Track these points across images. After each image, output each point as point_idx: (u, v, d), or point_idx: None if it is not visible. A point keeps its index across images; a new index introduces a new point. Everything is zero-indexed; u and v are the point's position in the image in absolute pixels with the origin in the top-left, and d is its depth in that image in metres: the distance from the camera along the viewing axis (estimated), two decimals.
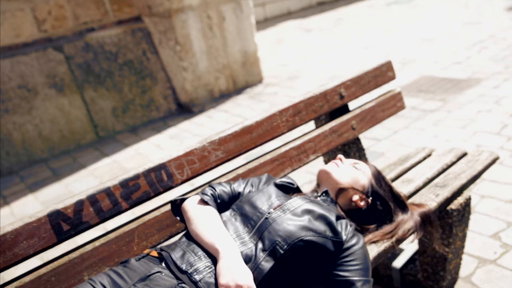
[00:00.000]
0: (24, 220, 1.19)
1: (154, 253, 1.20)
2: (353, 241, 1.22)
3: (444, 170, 1.82)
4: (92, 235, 1.73)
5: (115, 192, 1.33)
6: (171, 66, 4.89)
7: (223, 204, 1.32)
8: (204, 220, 1.21)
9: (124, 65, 4.76)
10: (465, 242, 1.85)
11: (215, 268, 1.10)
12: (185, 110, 4.96)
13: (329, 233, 1.19)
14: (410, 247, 2.03)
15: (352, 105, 2.10)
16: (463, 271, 2.00)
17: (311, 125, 2.77)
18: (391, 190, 1.45)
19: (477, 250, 2.12)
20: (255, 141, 1.64)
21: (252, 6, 7.02)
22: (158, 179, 1.40)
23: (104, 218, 1.31)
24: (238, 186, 1.37)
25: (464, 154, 1.94)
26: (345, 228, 1.23)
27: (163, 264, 1.15)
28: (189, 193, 1.50)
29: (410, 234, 1.43)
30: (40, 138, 4.24)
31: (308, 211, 1.22)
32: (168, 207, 1.42)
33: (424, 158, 1.98)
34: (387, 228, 1.40)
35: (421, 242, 1.80)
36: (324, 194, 1.40)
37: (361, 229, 1.39)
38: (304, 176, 3.01)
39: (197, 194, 1.33)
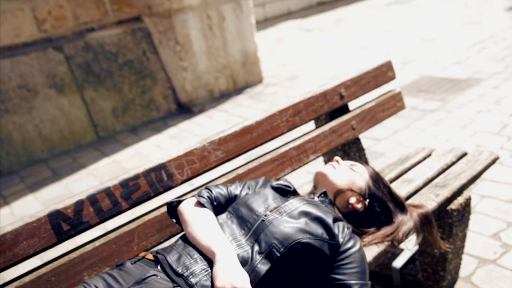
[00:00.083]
0: (24, 220, 1.19)
1: (150, 256, 1.19)
2: (350, 244, 1.21)
3: (444, 170, 1.82)
4: (92, 235, 1.73)
5: (115, 192, 1.33)
6: (171, 66, 4.89)
7: (219, 206, 1.31)
8: (201, 222, 1.20)
9: (124, 65, 4.76)
10: (465, 242, 1.85)
11: (211, 271, 1.09)
12: (185, 110, 4.96)
13: (325, 235, 1.18)
14: (410, 247, 2.03)
15: (352, 105, 2.10)
16: (463, 271, 2.00)
17: (311, 125, 2.77)
18: (389, 191, 1.44)
19: (477, 250, 2.12)
20: (255, 141, 1.64)
21: (252, 6, 7.02)
22: (158, 179, 1.40)
23: (104, 218, 1.31)
24: (235, 189, 1.36)
25: (464, 154, 1.94)
26: (342, 231, 1.22)
27: (159, 267, 1.14)
28: (189, 193, 1.50)
29: (410, 235, 1.43)
30: (40, 138, 4.24)
31: (305, 213, 1.21)
32: None
33: (424, 158, 1.98)
34: (387, 229, 1.39)
35: (421, 242, 1.80)
36: (322, 195, 1.39)
37: (359, 232, 1.38)
38: (304, 176, 3.01)
39: (193, 196, 1.32)
